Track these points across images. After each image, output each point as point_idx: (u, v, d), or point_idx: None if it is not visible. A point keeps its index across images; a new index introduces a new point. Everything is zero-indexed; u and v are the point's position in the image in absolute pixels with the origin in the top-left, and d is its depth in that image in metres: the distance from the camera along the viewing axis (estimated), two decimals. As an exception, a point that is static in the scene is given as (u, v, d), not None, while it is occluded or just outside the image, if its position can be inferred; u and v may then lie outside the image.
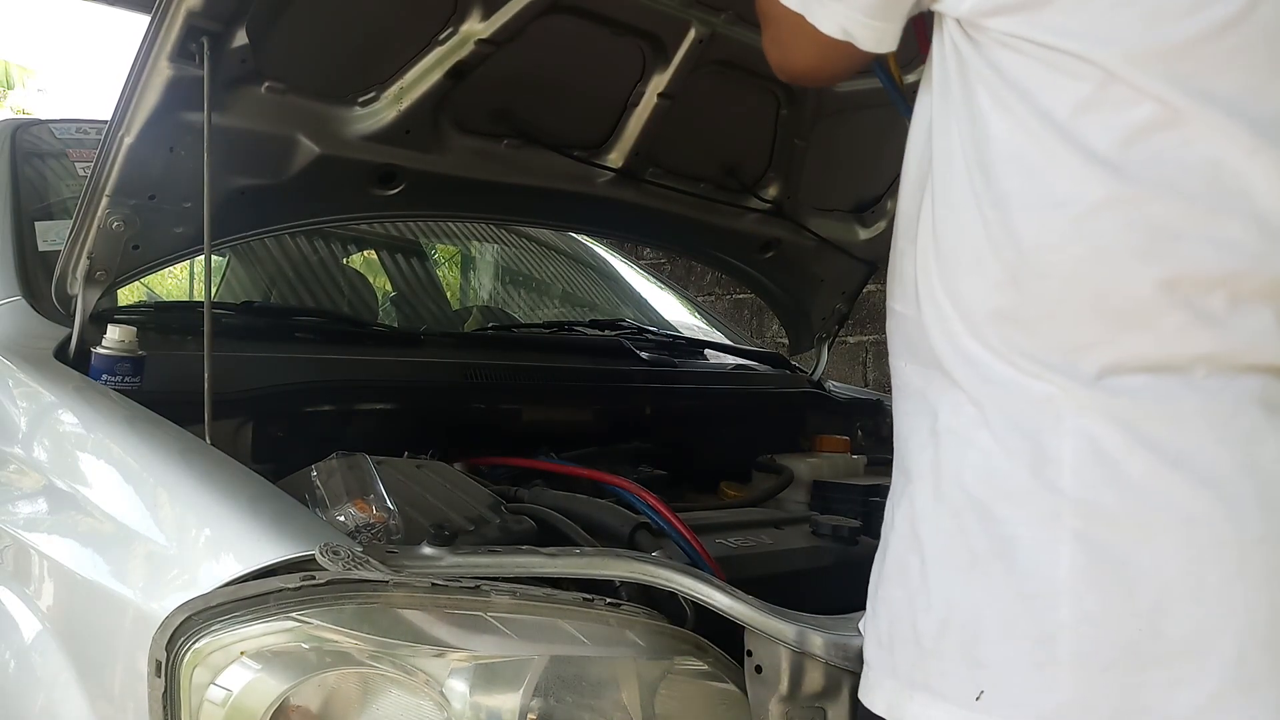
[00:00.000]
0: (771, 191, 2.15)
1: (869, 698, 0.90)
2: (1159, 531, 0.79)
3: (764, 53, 1.03)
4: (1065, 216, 0.81)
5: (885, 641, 0.90)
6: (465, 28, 1.59)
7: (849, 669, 0.97)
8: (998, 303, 0.84)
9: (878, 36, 0.90)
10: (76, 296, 1.47)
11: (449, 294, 2.88)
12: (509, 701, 0.94)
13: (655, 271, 3.47)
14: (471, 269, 3.16)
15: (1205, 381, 0.80)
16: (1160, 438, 0.79)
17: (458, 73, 1.62)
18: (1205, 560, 0.78)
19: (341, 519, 1.16)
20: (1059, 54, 0.80)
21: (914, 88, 1.14)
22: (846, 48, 0.91)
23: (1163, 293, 0.80)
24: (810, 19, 0.91)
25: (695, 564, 1.28)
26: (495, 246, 3.03)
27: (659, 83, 1.81)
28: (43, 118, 2.37)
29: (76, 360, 1.45)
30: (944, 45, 0.88)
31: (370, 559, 0.97)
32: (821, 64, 0.98)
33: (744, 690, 1.00)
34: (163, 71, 1.33)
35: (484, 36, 1.59)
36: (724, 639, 1.02)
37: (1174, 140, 0.79)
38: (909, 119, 1.05)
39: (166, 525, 1.15)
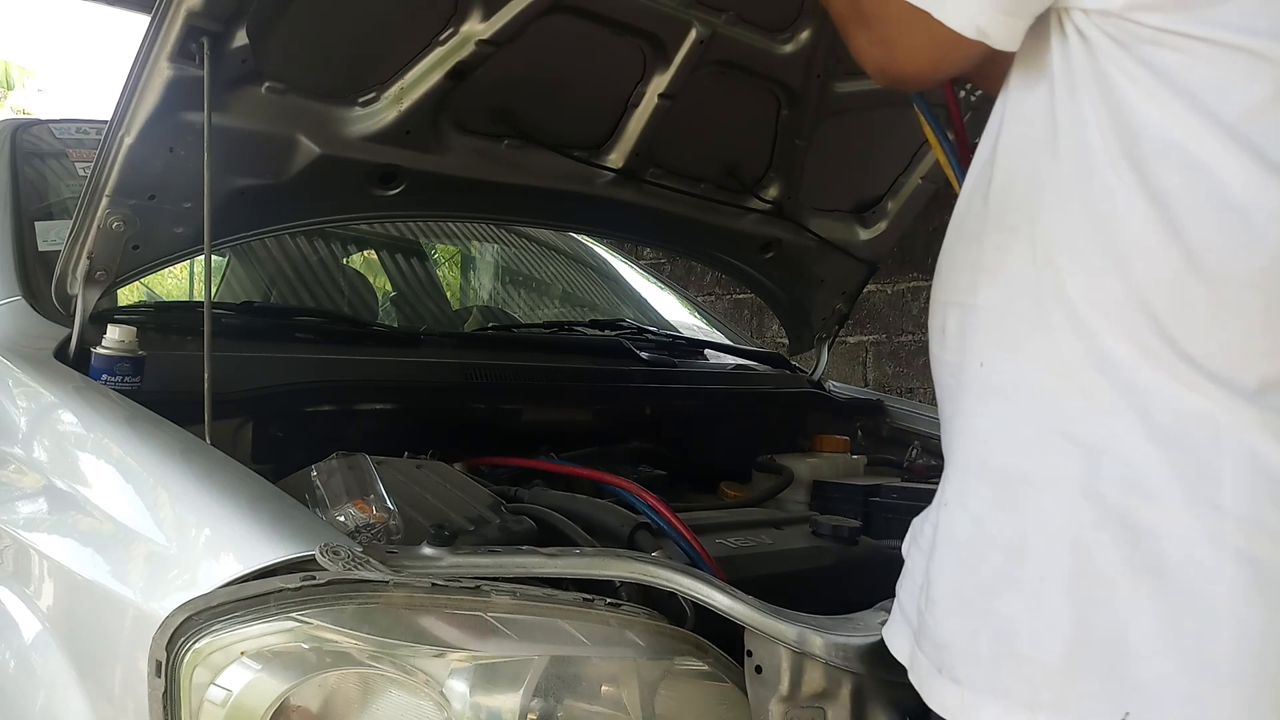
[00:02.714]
0: (772, 192, 2.15)
1: (969, 718, 0.86)
2: None
3: (857, 56, 0.98)
4: (1242, 223, 0.78)
5: (987, 658, 0.85)
6: (465, 28, 1.59)
7: (849, 669, 0.97)
8: (1153, 304, 0.80)
9: (1011, 33, 0.86)
10: (76, 296, 1.47)
11: (449, 294, 2.88)
12: (509, 702, 0.94)
13: (655, 271, 3.47)
14: (471, 269, 3.15)
15: None
16: None
17: (458, 73, 1.62)
18: None
19: (341, 519, 1.16)
20: (1232, 51, 0.77)
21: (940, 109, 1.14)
22: (970, 47, 0.87)
23: None
24: (938, 16, 0.86)
25: (695, 564, 1.27)
26: (495, 246, 3.03)
27: (659, 83, 1.81)
28: (43, 118, 2.37)
29: (76, 360, 1.45)
30: (1066, 41, 0.85)
31: (370, 559, 0.97)
32: (936, 65, 0.93)
33: (744, 690, 1.00)
34: (163, 71, 1.33)
35: (484, 37, 1.59)
36: (724, 639, 1.02)
37: None
38: (933, 129, 1.03)
39: (166, 525, 1.15)
